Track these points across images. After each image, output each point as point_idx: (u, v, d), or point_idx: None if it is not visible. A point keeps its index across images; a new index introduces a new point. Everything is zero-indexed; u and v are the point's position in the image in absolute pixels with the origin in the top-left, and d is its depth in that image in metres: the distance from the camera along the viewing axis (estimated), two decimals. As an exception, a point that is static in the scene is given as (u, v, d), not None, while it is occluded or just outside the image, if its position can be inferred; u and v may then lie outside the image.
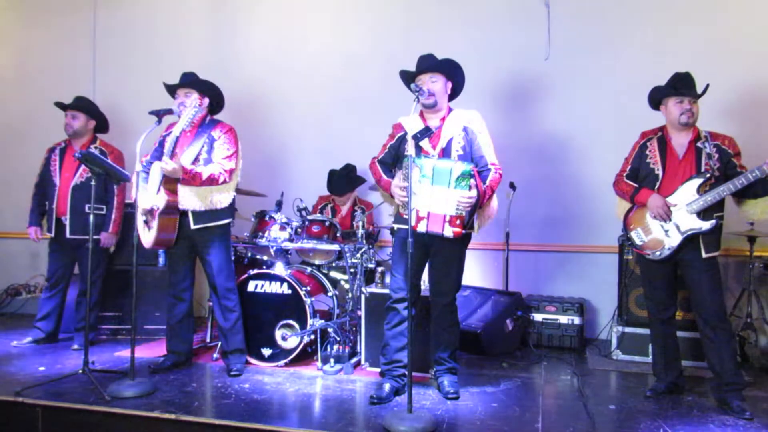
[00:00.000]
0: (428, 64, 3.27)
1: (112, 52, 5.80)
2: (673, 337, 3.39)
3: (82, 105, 4.38)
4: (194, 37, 5.66)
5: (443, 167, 3.04)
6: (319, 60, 5.35)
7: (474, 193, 3.03)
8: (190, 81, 3.71)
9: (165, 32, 5.72)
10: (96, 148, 4.31)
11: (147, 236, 3.61)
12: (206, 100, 3.76)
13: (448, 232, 3.04)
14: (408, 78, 3.28)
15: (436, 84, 3.24)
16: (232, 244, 3.92)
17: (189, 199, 3.53)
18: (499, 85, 4.92)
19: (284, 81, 5.40)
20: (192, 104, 3.61)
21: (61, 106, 4.39)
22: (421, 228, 3.07)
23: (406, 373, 3.07)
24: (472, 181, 3.02)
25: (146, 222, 3.63)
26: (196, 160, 3.58)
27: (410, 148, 3.05)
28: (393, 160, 3.37)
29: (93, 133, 4.45)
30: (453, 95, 3.40)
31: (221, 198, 3.61)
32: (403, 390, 3.25)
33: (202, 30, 5.66)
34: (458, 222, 3.03)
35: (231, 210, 3.76)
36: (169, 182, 3.52)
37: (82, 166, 4.25)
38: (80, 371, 3.42)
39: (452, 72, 3.31)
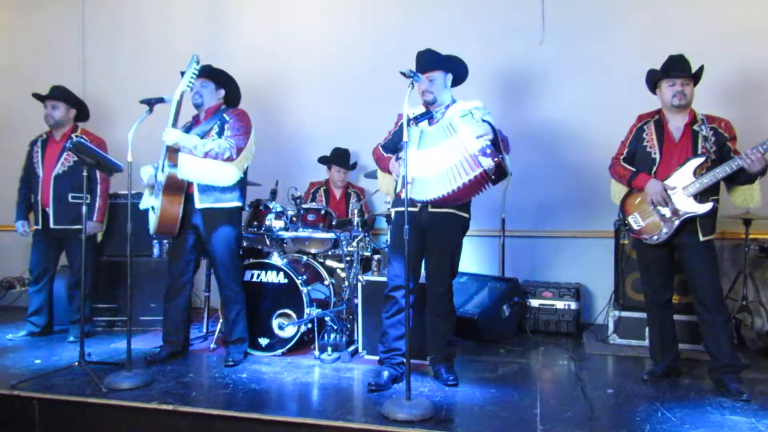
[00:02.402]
0: (424, 64, 3.24)
1: (102, 42, 5.73)
2: (669, 321, 3.39)
3: (61, 94, 4.31)
4: (185, 25, 5.58)
5: (429, 130, 3.04)
6: (312, 49, 5.29)
7: (484, 123, 2.94)
8: (207, 71, 3.68)
9: (155, 21, 5.65)
10: (77, 136, 4.22)
11: (152, 221, 3.60)
12: (222, 92, 3.77)
13: (486, 162, 2.85)
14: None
15: (434, 83, 3.23)
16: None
17: (188, 167, 3.46)
18: (493, 70, 4.88)
19: (275, 68, 5.34)
20: (201, 88, 3.63)
21: (38, 97, 4.32)
22: (408, 193, 2.92)
23: (405, 361, 3.09)
24: (476, 115, 2.95)
25: (152, 207, 3.62)
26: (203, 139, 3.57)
27: (405, 133, 2.99)
28: (395, 146, 3.34)
29: (74, 122, 4.40)
30: (459, 82, 3.38)
31: (227, 174, 3.54)
32: (402, 378, 3.25)
33: (193, 18, 5.59)
34: (488, 152, 2.86)
35: (241, 193, 3.71)
36: (172, 155, 3.48)
37: (64, 156, 4.21)
38: (76, 363, 3.40)
39: (449, 65, 3.28)
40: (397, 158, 3.22)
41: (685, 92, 3.18)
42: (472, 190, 2.98)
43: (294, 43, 5.34)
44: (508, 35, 4.86)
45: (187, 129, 3.73)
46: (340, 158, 4.80)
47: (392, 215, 3.38)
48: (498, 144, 2.94)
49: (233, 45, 5.42)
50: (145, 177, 3.65)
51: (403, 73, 3.00)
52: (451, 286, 3.34)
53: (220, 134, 3.61)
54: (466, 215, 3.29)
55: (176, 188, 3.52)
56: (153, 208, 3.62)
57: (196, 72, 3.48)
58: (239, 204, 3.70)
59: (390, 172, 3.33)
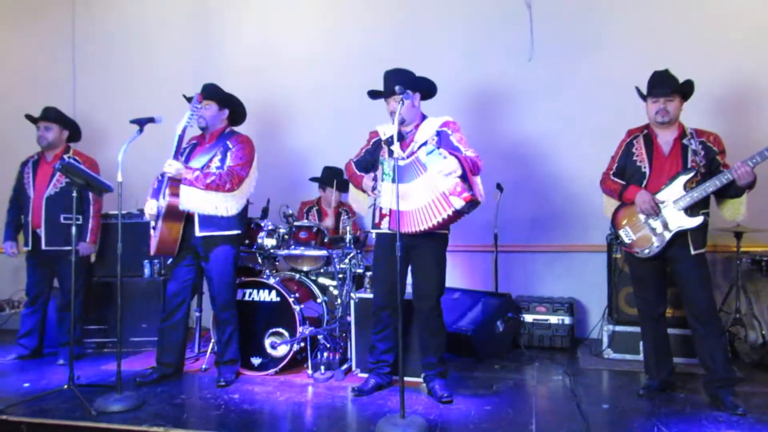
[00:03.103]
0: (388, 89, 3.28)
1: (92, 61, 5.73)
2: (664, 335, 3.38)
3: (54, 116, 4.29)
4: (176, 45, 5.60)
5: (402, 165, 3.12)
6: (303, 67, 5.31)
7: (451, 158, 3.01)
8: (210, 92, 3.69)
9: (146, 39, 5.66)
10: (70, 157, 4.20)
11: (152, 241, 3.60)
12: (226, 112, 3.77)
13: (458, 203, 2.93)
14: (376, 96, 3.38)
15: (401, 103, 3.24)
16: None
17: (191, 199, 3.47)
18: (483, 87, 4.92)
19: (265, 87, 5.34)
20: (204, 111, 3.64)
21: (31, 119, 4.30)
22: (384, 225, 3.16)
23: (391, 371, 3.33)
24: (443, 151, 3.03)
25: (153, 228, 3.61)
26: (206, 167, 3.57)
27: (396, 150, 3.05)
28: (367, 164, 3.42)
29: (66, 143, 4.38)
30: (428, 97, 3.45)
31: (228, 205, 3.56)
32: (387, 386, 3.40)
33: (184, 38, 5.61)
34: (458, 189, 2.95)
35: (241, 220, 3.70)
36: (174, 184, 3.48)
37: (56, 177, 4.19)
38: (66, 386, 3.34)
39: (413, 85, 3.30)
40: (374, 188, 3.28)
41: (668, 109, 3.21)
42: (448, 223, 3.11)
43: (285, 61, 5.36)
44: (497, 52, 4.89)
45: (192, 148, 3.74)
46: (334, 179, 4.78)
47: (373, 236, 3.42)
48: (467, 177, 3.02)
49: (224, 64, 5.43)
50: (149, 214, 3.64)
51: (374, 92, 3.12)
52: (439, 302, 3.36)
53: (222, 161, 3.61)
54: (445, 231, 3.33)
55: (176, 216, 3.53)
56: (153, 228, 3.62)
57: (197, 108, 3.53)
58: (238, 232, 3.69)
59: (363, 190, 3.40)
